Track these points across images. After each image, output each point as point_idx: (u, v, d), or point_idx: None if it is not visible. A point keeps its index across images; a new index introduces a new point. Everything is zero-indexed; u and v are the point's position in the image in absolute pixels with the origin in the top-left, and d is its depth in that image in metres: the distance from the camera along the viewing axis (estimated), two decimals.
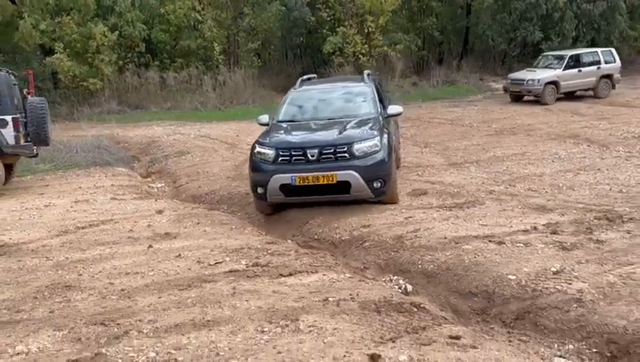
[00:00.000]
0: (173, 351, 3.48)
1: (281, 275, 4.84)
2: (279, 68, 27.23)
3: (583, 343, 3.67)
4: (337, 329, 3.70)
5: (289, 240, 6.46)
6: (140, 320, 3.97)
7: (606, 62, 17.66)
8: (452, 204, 6.87)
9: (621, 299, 3.95)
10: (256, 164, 7.10)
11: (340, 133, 6.99)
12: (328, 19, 23.55)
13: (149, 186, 10.52)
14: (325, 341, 3.53)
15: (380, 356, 3.29)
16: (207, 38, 22.72)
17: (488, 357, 3.36)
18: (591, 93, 17.70)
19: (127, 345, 3.59)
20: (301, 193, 6.84)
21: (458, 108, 17.81)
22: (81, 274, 5.11)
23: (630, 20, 25.05)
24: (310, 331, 3.68)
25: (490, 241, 5.31)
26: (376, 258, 5.58)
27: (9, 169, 9.81)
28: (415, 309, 4.13)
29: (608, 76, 17.70)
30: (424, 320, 3.93)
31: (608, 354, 3.54)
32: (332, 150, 6.73)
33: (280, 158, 6.88)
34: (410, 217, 6.39)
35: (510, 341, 3.76)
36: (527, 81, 17.29)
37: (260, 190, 7.02)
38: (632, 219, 5.73)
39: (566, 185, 7.59)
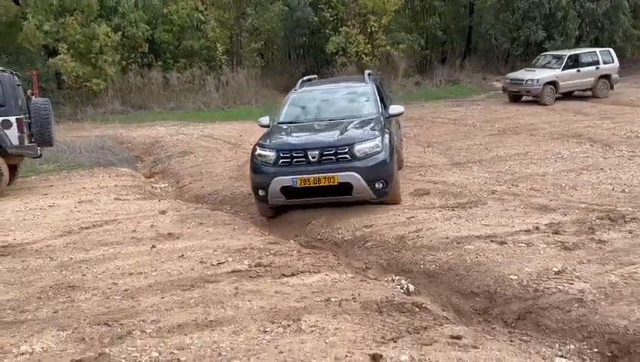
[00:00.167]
0: (176, 351, 3.50)
1: (284, 275, 4.86)
2: (282, 68, 27.24)
3: (584, 343, 3.68)
4: (339, 329, 3.71)
5: (291, 241, 6.48)
6: (143, 321, 3.99)
7: (604, 63, 17.58)
8: (454, 203, 6.87)
9: (622, 299, 3.96)
10: (256, 167, 7.09)
11: (341, 134, 6.97)
12: (331, 19, 23.55)
13: (152, 186, 10.56)
14: (327, 341, 3.54)
15: (381, 356, 3.31)
16: (210, 39, 22.77)
17: (489, 357, 3.37)
18: (589, 93, 17.60)
19: (131, 345, 3.62)
20: (302, 195, 6.83)
21: (461, 107, 17.80)
22: (84, 275, 5.14)
23: (634, 19, 24.98)
24: (312, 331, 3.70)
25: (492, 241, 5.32)
26: (378, 258, 5.60)
27: (13, 169, 9.86)
28: (417, 309, 4.14)
29: (607, 76, 17.62)
30: (426, 320, 3.94)
31: (609, 354, 3.54)
32: (333, 151, 6.72)
33: (281, 160, 6.86)
34: (413, 217, 6.40)
35: (511, 341, 3.77)
36: (527, 81, 17.19)
37: (261, 192, 7.01)
38: (634, 219, 5.72)
39: (568, 184, 7.58)
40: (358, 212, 6.78)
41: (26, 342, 3.75)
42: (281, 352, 3.42)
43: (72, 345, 3.69)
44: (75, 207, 8.06)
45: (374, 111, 7.70)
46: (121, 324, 3.94)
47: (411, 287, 4.90)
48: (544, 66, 17.87)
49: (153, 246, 5.93)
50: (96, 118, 18.83)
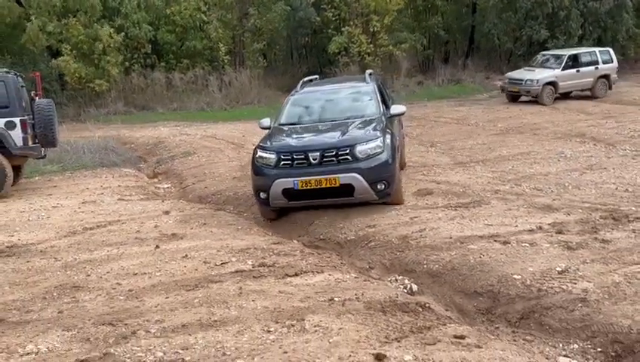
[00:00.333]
0: (180, 351, 3.52)
1: (287, 275, 4.87)
2: (285, 68, 27.28)
3: (588, 342, 3.68)
4: (343, 328, 3.72)
5: (295, 241, 6.49)
6: (147, 321, 4.01)
7: (604, 62, 17.41)
8: (457, 203, 6.87)
9: (626, 299, 3.96)
10: (258, 169, 7.07)
11: (342, 134, 6.92)
12: (333, 19, 23.56)
13: (155, 187, 10.58)
14: (331, 340, 3.55)
15: (385, 355, 3.32)
16: (213, 39, 22.81)
17: (493, 356, 3.37)
18: (587, 93, 17.45)
19: (135, 344, 3.63)
20: (304, 197, 6.80)
21: (464, 107, 17.78)
22: (89, 275, 5.16)
23: (637, 18, 24.89)
24: (316, 331, 3.71)
25: (495, 241, 5.32)
26: (381, 258, 5.61)
27: (17, 170, 9.90)
28: (420, 309, 4.15)
29: (605, 76, 17.45)
30: (429, 320, 3.95)
31: (613, 354, 3.55)
32: (334, 152, 6.68)
33: (282, 162, 6.83)
34: (416, 217, 6.40)
35: (515, 340, 3.78)
36: (526, 81, 16.99)
37: (262, 195, 6.99)
38: (638, 218, 5.73)
39: (572, 184, 7.57)
40: (361, 212, 6.78)
41: (31, 341, 3.78)
42: (285, 352, 3.43)
43: (77, 345, 3.71)
44: (79, 208, 8.09)
45: (376, 111, 7.65)
46: (126, 324, 3.96)
47: (415, 287, 4.90)
48: (543, 66, 17.70)
49: (157, 247, 5.95)
50: (99, 119, 18.88)
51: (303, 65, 25.90)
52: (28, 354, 3.62)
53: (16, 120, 9.17)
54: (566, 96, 17.46)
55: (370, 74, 8.79)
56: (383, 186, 6.69)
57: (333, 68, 22.88)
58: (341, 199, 6.77)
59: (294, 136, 7.31)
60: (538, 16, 23.08)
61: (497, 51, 26.67)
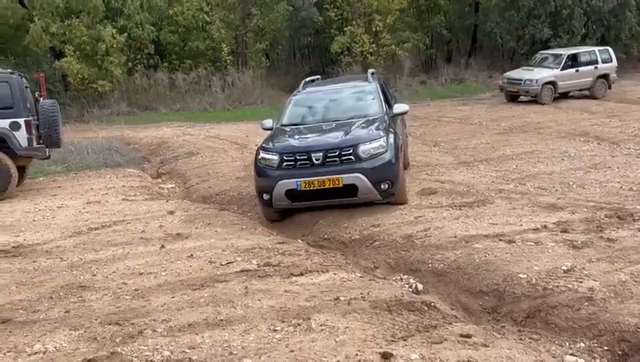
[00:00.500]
0: (187, 350, 3.53)
1: (293, 275, 4.88)
2: (287, 68, 27.27)
3: (595, 341, 3.68)
4: (349, 327, 3.73)
5: (299, 240, 6.50)
6: (154, 320, 4.02)
7: (603, 62, 17.24)
8: (462, 202, 6.87)
9: (632, 297, 3.96)
10: (260, 170, 7.03)
11: (345, 135, 6.89)
12: (336, 18, 23.57)
13: (159, 187, 10.61)
14: (337, 339, 3.56)
15: (391, 354, 3.32)
16: (216, 39, 22.85)
17: (499, 355, 3.37)
18: (586, 92, 17.33)
19: (142, 344, 3.65)
20: (307, 198, 6.76)
21: (467, 106, 17.77)
22: (95, 275, 5.18)
23: None
24: (322, 330, 3.72)
25: (500, 240, 5.32)
26: (386, 257, 5.61)
27: (22, 171, 9.93)
28: (426, 308, 4.15)
29: (605, 76, 17.29)
30: (435, 319, 3.95)
31: (620, 352, 3.55)
32: (337, 153, 6.63)
33: (284, 163, 6.79)
34: (420, 216, 6.40)
35: (521, 339, 3.78)
36: (525, 80, 16.81)
37: (265, 196, 6.95)
38: None
39: (576, 183, 7.57)
40: (365, 211, 6.78)
41: (38, 341, 3.79)
42: (291, 351, 3.44)
43: (85, 344, 3.72)
44: (84, 208, 8.12)
45: (378, 111, 7.62)
46: (133, 324, 3.98)
47: (420, 286, 4.91)
48: (541, 65, 17.55)
49: (162, 247, 5.97)
50: (102, 120, 18.91)
51: (305, 65, 25.90)
52: (36, 353, 3.64)
53: (21, 121, 9.20)
54: (564, 95, 17.34)
55: (372, 73, 8.73)
56: (387, 186, 6.66)
57: (335, 68, 22.88)
58: (345, 199, 6.74)
59: (297, 136, 7.27)
60: (541, 15, 23.04)
61: (500, 50, 26.63)
